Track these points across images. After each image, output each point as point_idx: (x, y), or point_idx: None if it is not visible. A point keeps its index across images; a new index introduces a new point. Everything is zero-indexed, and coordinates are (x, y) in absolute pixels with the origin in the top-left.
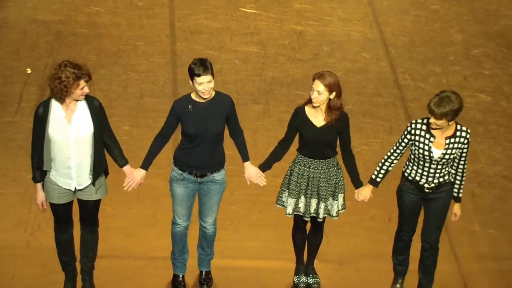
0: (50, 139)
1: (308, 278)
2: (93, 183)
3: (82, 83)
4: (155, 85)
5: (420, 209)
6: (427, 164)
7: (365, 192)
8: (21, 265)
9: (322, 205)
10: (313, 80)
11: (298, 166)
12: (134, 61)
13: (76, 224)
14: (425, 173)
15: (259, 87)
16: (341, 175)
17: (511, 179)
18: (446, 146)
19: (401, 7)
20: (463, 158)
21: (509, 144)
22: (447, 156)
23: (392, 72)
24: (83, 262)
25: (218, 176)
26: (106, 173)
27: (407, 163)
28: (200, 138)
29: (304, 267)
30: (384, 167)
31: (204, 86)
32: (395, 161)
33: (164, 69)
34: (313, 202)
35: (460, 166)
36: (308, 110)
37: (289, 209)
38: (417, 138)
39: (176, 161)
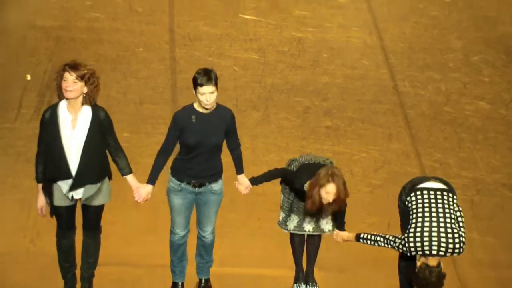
0: (55, 142)
1: (308, 286)
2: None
3: (66, 75)
4: (155, 92)
5: None
6: None
7: (343, 236)
8: (20, 271)
9: (324, 221)
10: (324, 185)
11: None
12: (133, 67)
13: (78, 231)
14: None
15: (259, 94)
16: None
17: (510, 186)
18: None
19: (401, 13)
20: None
21: (508, 152)
22: None
23: (391, 79)
24: (84, 269)
25: (216, 186)
26: (109, 178)
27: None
28: (199, 148)
29: (304, 275)
30: (373, 244)
31: (206, 97)
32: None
33: (164, 75)
34: (313, 220)
35: None
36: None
37: (290, 225)
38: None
39: (174, 171)
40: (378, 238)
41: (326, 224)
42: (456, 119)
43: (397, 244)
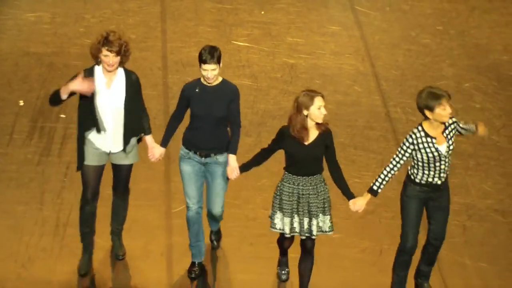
0: (90, 100)
1: None
2: (124, 149)
3: (104, 50)
4: None
5: (422, 214)
6: (437, 164)
7: (361, 203)
8: None
9: (314, 222)
10: (313, 98)
11: (287, 184)
12: None
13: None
14: (437, 172)
15: (251, 120)
16: (328, 192)
17: (501, 212)
18: (446, 138)
19: (393, 41)
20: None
21: (500, 178)
22: (451, 147)
23: (383, 106)
24: (114, 225)
25: (221, 158)
26: (139, 141)
27: (415, 171)
28: (204, 119)
29: (287, 259)
30: (387, 179)
31: (208, 73)
32: (396, 173)
33: (156, 101)
34: (305, 220)
35: None
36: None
37: (287, 229)
38: (420, 146)
39: (184, 140)
40: (389, 168)
41: (324, 224)
42: None
43: (404, 143)
